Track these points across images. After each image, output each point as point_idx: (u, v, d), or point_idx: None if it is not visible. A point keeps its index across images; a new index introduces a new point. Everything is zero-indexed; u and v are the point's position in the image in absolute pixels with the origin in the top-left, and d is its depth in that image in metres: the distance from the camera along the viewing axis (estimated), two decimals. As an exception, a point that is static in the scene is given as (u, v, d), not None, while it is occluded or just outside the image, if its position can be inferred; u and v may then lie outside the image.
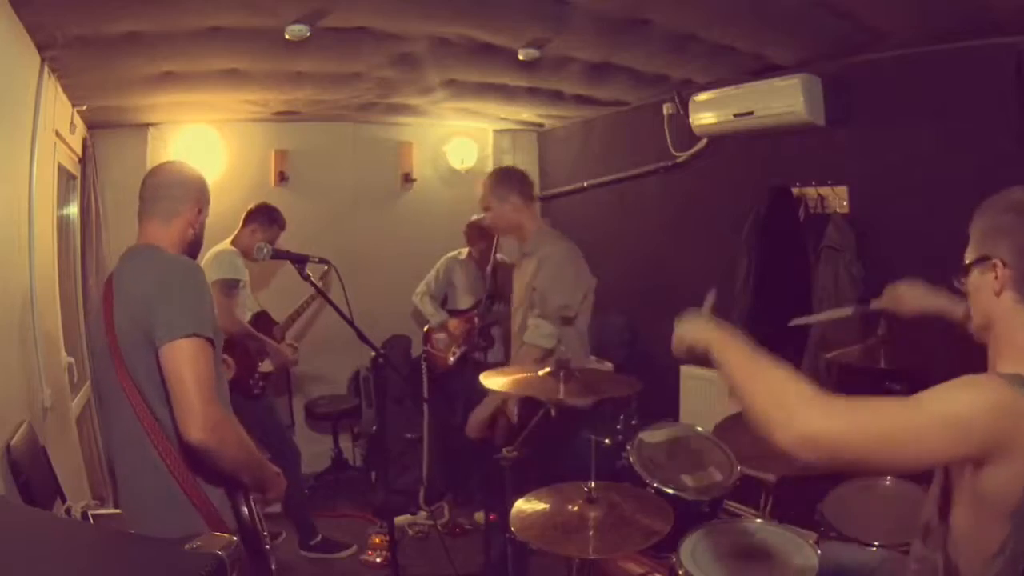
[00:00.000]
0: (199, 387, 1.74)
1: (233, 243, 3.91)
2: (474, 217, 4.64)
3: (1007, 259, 1.32)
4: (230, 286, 3.73)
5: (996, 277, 1.34)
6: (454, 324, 4.62)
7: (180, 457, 1.82)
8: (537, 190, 5.96)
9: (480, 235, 4.53)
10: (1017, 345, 1.33)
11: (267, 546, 2.00)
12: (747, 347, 1.43)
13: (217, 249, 3.83)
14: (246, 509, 1.93)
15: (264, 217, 4.00)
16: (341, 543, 4.10)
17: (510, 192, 3.19)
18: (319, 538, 4.05)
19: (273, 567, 2.02)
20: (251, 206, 4.05)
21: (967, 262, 1.41)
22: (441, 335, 4.67)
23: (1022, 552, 1.30)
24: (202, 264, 3.73)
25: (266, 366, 4.10)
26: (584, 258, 3.28)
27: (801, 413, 1.25)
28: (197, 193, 2.08)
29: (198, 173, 2.13)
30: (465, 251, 4.70)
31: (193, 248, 2.08)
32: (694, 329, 1.58)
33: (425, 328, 4.79)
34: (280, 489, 2.09)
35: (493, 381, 2.61)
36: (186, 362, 1.74)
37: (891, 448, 1.24)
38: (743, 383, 1.37)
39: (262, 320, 4.24)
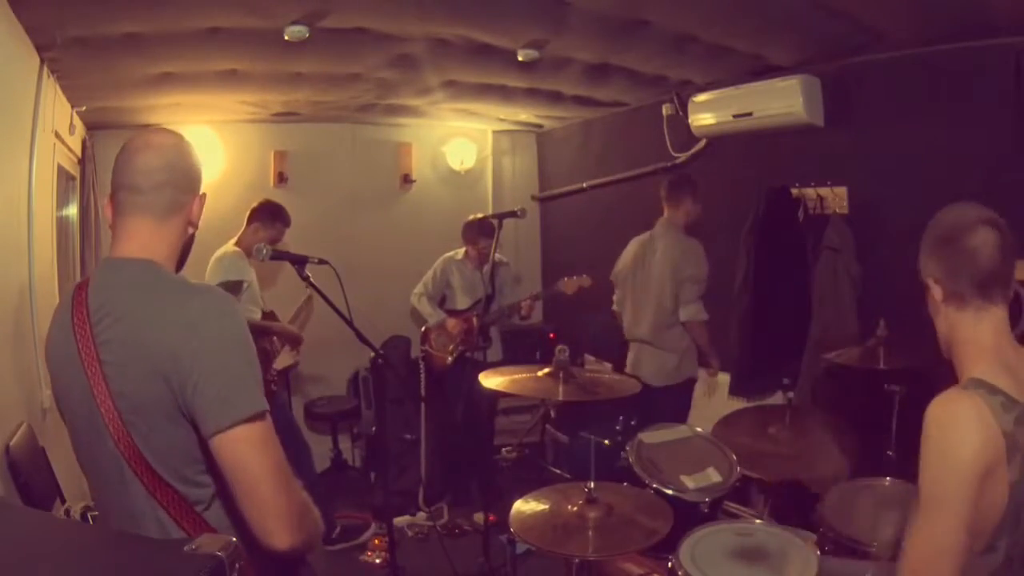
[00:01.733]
0: (278, 479, 1.31)
1: (238, 243, 3.92)
2: (471, 216, 4.64)
3: (935, 276, 1.44)
4: (232, 288, 3.73)
5: (935, 295, 1.46)
6: (452, 324, 4.62)
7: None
8: (536, 191, 6.00)
9: (477, 234, 4.54)
10: (969, 350, 1.42)
11: None
12: None
13: (221, 252, 3.85)
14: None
15: (266, 215, 3.99)
16: (359, 526, 4.16)
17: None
18: (338, 529, 4.11)
19: None
20: (254, 204, 4.05)
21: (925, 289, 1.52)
22: (439, 335, 4.67)
23: (1018, 554, 1.32)
24: (208, 268, 3.77)
25: (280, 361, 4.12)
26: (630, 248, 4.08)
27: None
28: (199, 177, 1.53)
29: (189, 146, 1.56)
30: (462, 251, 4.70)
31: (187, 252, 1.56)
32: None
33: (423, 328, 4.79)
34: None
35: (492, 380, 2.62)
36: (255, 451, 1.30)
37: (958, 549, 1.28)
38: None
39: (268, 320, 4.24)
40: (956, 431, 1.29)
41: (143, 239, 1.43)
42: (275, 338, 4.09)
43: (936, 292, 1.45)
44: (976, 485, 1.28)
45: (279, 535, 1.31)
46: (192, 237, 1.55)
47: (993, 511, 1.29)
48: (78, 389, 1.36)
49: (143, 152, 1.46)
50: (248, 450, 1.30)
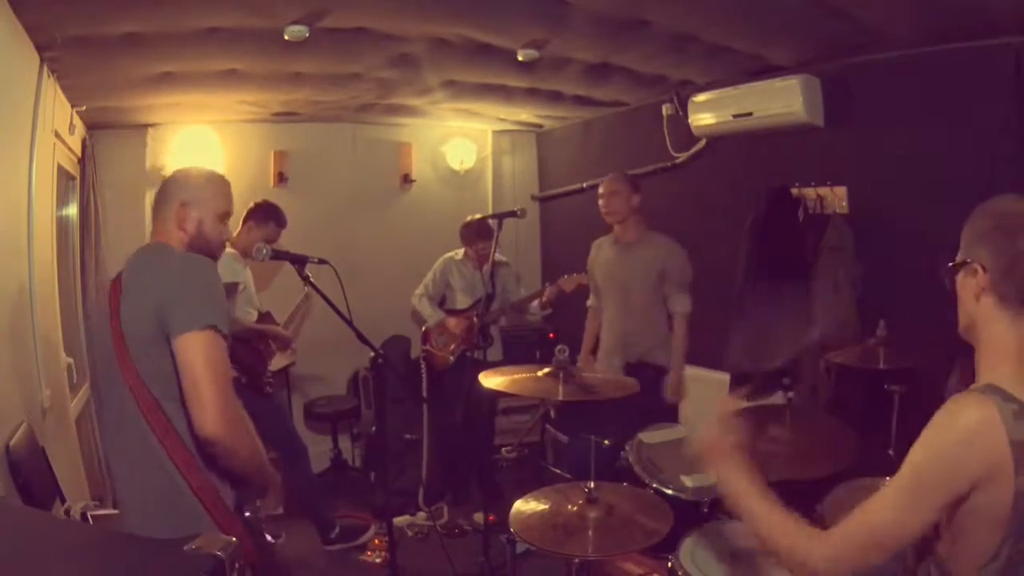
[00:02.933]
0: (215, 380, 1.71)
1: (233, 243, 3.90)
2: (468, 218, 4.64)
3: (987, 264, 1.37)
4: (229, 291, 3.74)
5: (976, 282, 1.38)
6: (453, 323, 4.63)
7: (192, 457, 1.78)
8: (536, 191, 6.00)
9: (476, 235, 4.54)
10: (995, 350, 1.37)
11: (270, 540, 2.00)
12: (752, 493, 1.54)
13: None
14: (249, 512, 1.92)
15: (260, 215, 4.00)
16: (359, 527, 4.14)
17: (636, 190, 3.85)
18: (338, 530, 4.09)
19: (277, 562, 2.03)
20: (251, 204, 4.05)
21: (954, 264, 1.45)
22: (440, 334, 4.67)
23: (1019, 560, 1.30)
24: None
25: (275, 363, 4.13)
26: None
27: (813, 562, 1.36)
28: (186, 191, 2.00)
29: (201, 172, 2.09)
30: (462, 252, 4.70)
31: (201, 251, 1.98)
32: (714, 468, 1.66)
33: (423, 327, 4.79)
34: (278, 491, 2.09)
35: (492, 380, 2.61)
36: (202, 354, 1.71)
37: (895, 544, 1.32)
38: (758, 529, 1.50)
39: (265, 321, 4.24)
40: (958, 433, 1.27)
41: (157, 231, 2.01)
42: (271, 340, 4.09)
43: (981, 279, 1.38)
44: (949, 497, 1.27)
45: (206, 424, 1.69)
46: (199, 241, 1.99)
47: (996, 520, 1.27)
48: (105, 338, 1.85)
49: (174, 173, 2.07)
50: (197, 351, 1.72)
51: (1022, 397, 1.29)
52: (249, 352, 3.88)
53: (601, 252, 4.05)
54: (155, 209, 2.03)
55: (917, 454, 1.31)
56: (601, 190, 3.90)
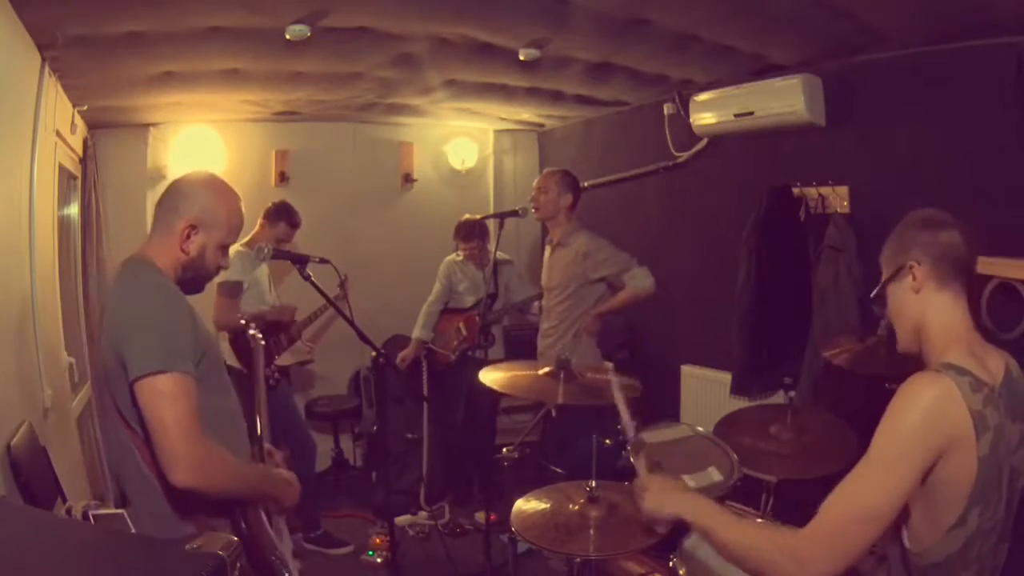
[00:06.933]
0: (178, 426, 1.58)
1: (249, 242, 3.99)
2: (465, 216, 4.63)
3: (920, 258, 1.48)
4: (230, 288, 3.79)
5: (914, 277, 1.49)
6: (453, 322, 4.63)
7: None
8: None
9: (463, 237, 4.54)
10: (942, 335, 1.47)
11: (274, 558, 1.82)
12: (718, 516, 1.52)
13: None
14: (244, 524, 1.80)
15: (272, 214, 4.10)
16: (340, 540, 4.16)
17: (568, 190, 3.84)
18: (320, 532, 4.13)
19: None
20: (267, 204, 4.14)
21: (883, 283, 1.56)
22: (442, 333, 4.67)
23: (989, 528, 1.39)
24: None
25: (283, 360, 4.14)
26: None
27: (814, 559, 1.36)
28: (197, 210, 1.84)
29: (213, 189, 1.91)
30: (462, 252, 4.69)
31: (190, 276, 1.87)
32: (665, 504, 1.64)
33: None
34: (294, 494, 1.96)
35: (491, 376, 2.61)
36: (161, 400, 1.59)
37: (882, 516, 1.35)
38: (733, 553, 1.46)
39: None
40: (920, 409, 1.34)
41: (150, 246, 1.84)
42: (282, 336, 4.12)
43: (918, 273, 1.49)
44: (922, 466, 1.33)
45: (175, 474, 1.58)
46: (192, 267, 1.85)
47: (962, 484, 1.35)
48: (99, 353, 1.84)
49: (175, 180, 1.91)
50: (155, 398, 1.60)
51: (974, 371, 1.38)
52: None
53: (546, 252, 4.07)
54: (158, 214, 1.86)
55: (883, 436, 1.37)
56: (534, 183, 3.90)
